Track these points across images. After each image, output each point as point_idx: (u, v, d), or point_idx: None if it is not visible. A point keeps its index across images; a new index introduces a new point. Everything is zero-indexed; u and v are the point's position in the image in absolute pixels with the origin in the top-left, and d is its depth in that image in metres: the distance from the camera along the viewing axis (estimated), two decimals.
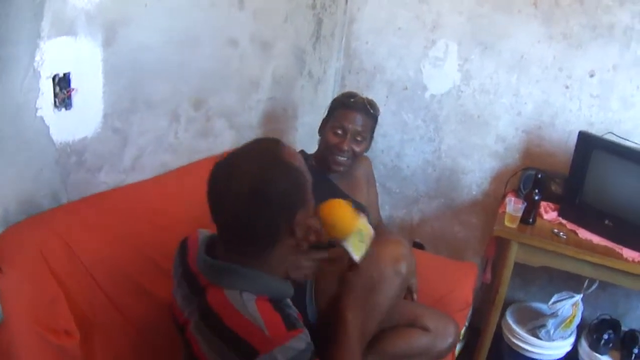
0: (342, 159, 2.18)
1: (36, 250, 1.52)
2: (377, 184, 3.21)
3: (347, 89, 3.23)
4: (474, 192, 3.07)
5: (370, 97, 3.10)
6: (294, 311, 1.34)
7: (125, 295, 1.70)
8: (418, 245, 3.25)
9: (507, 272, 2.58)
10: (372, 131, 2.26)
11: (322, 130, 2.25)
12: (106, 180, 1.94)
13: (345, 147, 2.13)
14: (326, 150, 2.19)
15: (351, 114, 2.15)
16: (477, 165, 3.01)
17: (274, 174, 1.24)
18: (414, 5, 2.94)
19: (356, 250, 1.51)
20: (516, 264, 2.57)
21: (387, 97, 3.14)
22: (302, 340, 1.20)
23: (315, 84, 3.07)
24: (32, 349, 1.40)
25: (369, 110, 2.19)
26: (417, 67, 3.03)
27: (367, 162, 2.47)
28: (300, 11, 2.73)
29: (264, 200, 1.22)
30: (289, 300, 1.37)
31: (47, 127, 1.69)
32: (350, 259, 1.52)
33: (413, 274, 2.02)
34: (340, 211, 1.51)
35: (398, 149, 3.19)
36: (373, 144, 3.17)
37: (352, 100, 2.20)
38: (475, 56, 2.87)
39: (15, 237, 1.54)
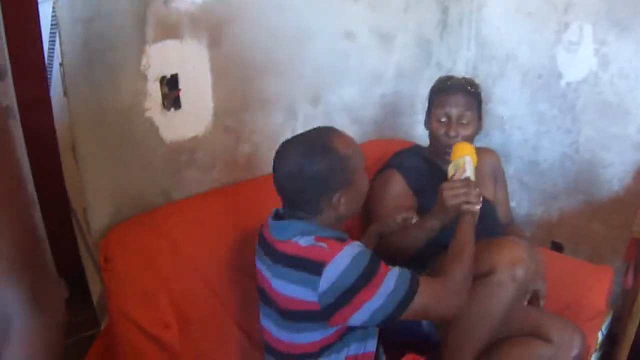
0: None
1: (141, 247, 1.62)
2: (514, 179, 3.08)
3: (479, 79, 3.09)
4: (615, 188, 2.79)
5: (503, 87, 3.01)
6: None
7: (227, 288, 1.76)
8: (557, 246, 3.04)
9: None
10: (479, 110, 2.12)
11: (427, 122, 2.14)
12: (219, 177, 2.01)
13: (453, 133, 2.00)
14: (435, 141, 2.09)
15: (451, 97, 2.02)
16: (618, 158, 2.74)
17: (315, 157, 1.45)
18: None
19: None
20: None
21: (520, 86, 2.95)
22: (356, 245, 1.42)
23: (444, 74, 2.95)
24: (131, 339, 1.50)
25: (469, 89, 2.06)
26: (551, 54, 2.81)
27: (493, 156, 2.31)
28: (422, 0, 2.63)
29: (303, 177, 1.45)
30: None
31: (157, 127, 1.78)
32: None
33: (540, 278, 1.90)
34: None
35: (534, 141, 2.99)
36: (508, 137, 3.06)
37: (448, 83, 2.08)
38: (612, 38, 2.60)
39: (122, 234, 1.65)
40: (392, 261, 1.71)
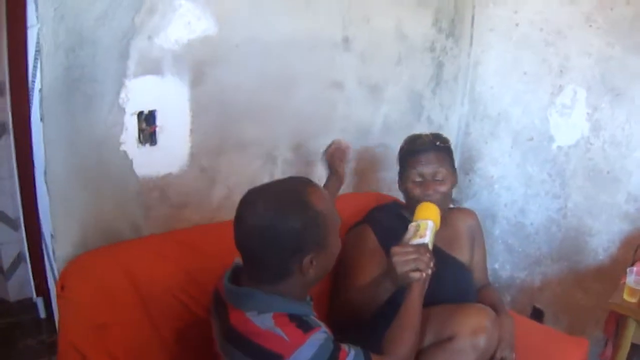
0: None
1: (99, 278, 1.64)
2: (499, 241, 3.12)
3: (472, 137, 3.17)
4: (600, 257, 2.83)
5: (494, 147, 3.07)
6: (314, 322, 1.39)
7: (183, 329, 1.77)
8: (537, 312, 3.06)
9: (623, 354, 2.32)
10: (452, 163, 2.14)
11: (400, 185, 2.15)
12: (191, 217, 2.05)
13: (429, 192, 2.01)
14: (411, 201, 2.07)
15: (422, 156, 2.04)
16: (605, 226, 2.78)
17: (288, 212, 1.30)
18: (540, 47, 2.82)
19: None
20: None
21: (511, 147, 3.02)
22: (320, 334, 1.31)
23: (436, 130, 3.01)
24: None
25: (439, 145, 2.07)
26: (544, 116, 2.89)
27: (472, 217, 2.31)
28: (416, 54, 2.73)
29: (274, 235, 1.29)
30: (313, 318, 1.41)
31: (131, 161, 1.83)
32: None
33: (508, 345, 1.90)
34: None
35: (522, 203, 3.05)
36: (496, 197, 3.12)
37: (418, 142, 2.10)
38: (606, 104, 2.67)
39: (83, 264, 1.68)
40: (355, 319, 1.74)
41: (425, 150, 2.05)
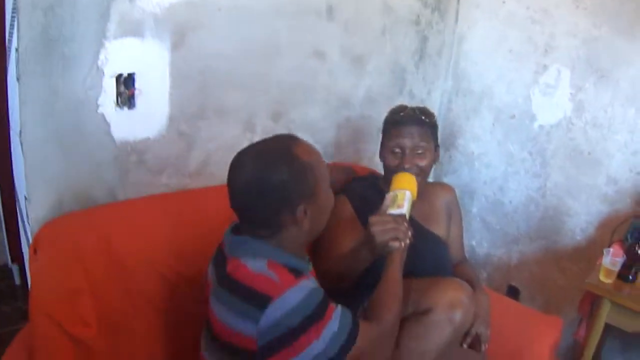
0: None
1: (73, 242, 1.64)
2: (477, 218, 3.15)
3: (453, 113, 3.18)
4: (577, 238, 2.88)
5: (476, 123, 3.09)
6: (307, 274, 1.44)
7: (158, 298, 1.78)
8: (513, 290, 3.11)
9: (596, 334, 2.37)
10: (435, 139, 2.11)
11: (381, 155, 2.15)
12: (168, 182, 2.05)
13: (407, 165, 1.99)
14: (389, 173, 2.05)
15: (404, 128, 2.02)
16: (584, 207, 2.82)
17: (276, 165, 1.37)
18: (526, 25, 2.83)
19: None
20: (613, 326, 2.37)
21: (493, 124, 3.04)
22: (310, 282, 1.36)
23: (417, 105, 3.02)
24: (47, 334, 1.52)
25: (422, 119, 2.05)
26: (527, 94, 2.91)
27: (450, 192, 2.32)
28: (401, 26, 2.73)
29: (263, 188, 1.36)
30: (308, 273, 1.47)
31: (108, 124, 1.82)
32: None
33: (483, 321, 1.93)
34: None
35: (501, 181, 3.08)
36: (476, 174, 3.14)
37: (401, 114, 2.07)
38: (590, 85, 2.69)
39: (57, 227, 1.68)
40: (335, 289, 1.76)
41: (409, 123, 2.04)
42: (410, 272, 1.84)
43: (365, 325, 1.46)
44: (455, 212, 2.30)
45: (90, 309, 1.59)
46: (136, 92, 1.83)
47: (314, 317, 1.31)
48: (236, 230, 1.49)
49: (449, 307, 1.68)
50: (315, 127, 2.50)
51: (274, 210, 1.38)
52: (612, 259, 2.28)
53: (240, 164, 1.42)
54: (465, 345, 1.91)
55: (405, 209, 1.69)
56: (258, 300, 1.29)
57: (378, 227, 1.59)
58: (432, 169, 2.15)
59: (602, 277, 2.32)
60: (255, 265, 1.36)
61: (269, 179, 1.36)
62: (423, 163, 2.04)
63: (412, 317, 1.71)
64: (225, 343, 1.38)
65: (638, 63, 2.56)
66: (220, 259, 1.48)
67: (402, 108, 2.11)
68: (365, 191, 2.13)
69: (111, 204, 1.87)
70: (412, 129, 2.03)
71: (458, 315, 1.68)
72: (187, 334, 1.68)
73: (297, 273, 1.37)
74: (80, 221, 1.71)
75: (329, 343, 1.34)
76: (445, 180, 3.25)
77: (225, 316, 1.35)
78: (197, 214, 1.93)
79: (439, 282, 1.78)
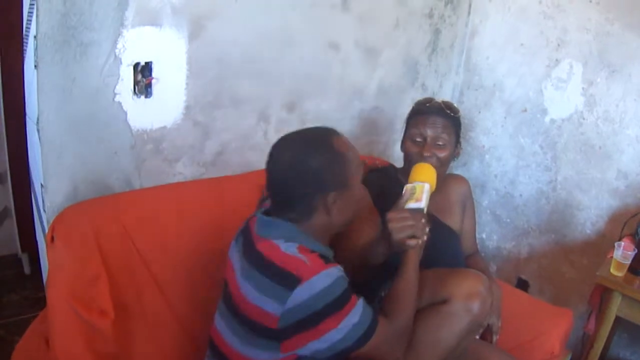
0: None
1: (91, 229, 1.64)
2: (488, 211, 3.15)
3: (465, 106, 3.18)
4: (587, 231, 2.88)
5: (487, 117, 3.09)
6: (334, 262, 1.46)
7: (174, 286, 1.79)
8: (523, 283, 3.12)
9: (607, 326, 2.38)
10: (457, 135, 2.10)
11: (402, 143, 2.13)
12: (183, 171, 2.05)
13: (427, 154, 1.98)
14: (408, 163, 2.06)
15: (427, 118, 2.02)
16: (594, 201, 2.83)
17: (313, 153, 1.43)
18: (538, 20, 2.83)
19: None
20: (623, 319, 2.38)
21: (505, 118, 3.04)
22: (338, 270, 1.39)
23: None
24: (64, 320, 1.52)
25: (447, 113, 2.04)
26: (538, 88, 2.91)
27: (464, 184, 2.31)
28: (414, 19, 2.73)
29: (300, 171, 1.42)
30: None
31: (125, 113, 1.83)
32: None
33: (495, 313, 1.94)
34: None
35: (512, 175, 3.08)
36: (486, 167, 3.14)
37: (427, 105, 2.06)
38: (601, 79, 2.70)
39: (73, 215, 1.68)
40: (350, 280, 1.76)
41: (433, 113, 2.03)
42: (424, 263, 1.84)
43: (384, 323, 1.48)
44: (469, 205, 2.30)
45: (107, 296, 1.59)
46: (153, 81, 1.84)
47: (337, 304, 1.35)
48: (266, 213, 1.53)
49: (467, 297, 1.67)
50: (328, 118, 2.50)
51: (308, 194, 1.44)
52: (624, 252, 2.28)
53: (282, 147, 1.48)
54: (477, 336, 1.92)
55: (423, 202, 1.68)
56: (288, 280, 1.33)
57: (396, 224, 1.59)
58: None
59: (613, 270, 2.32)
60: (286, 247, 1.39)
61: (307, 163, 1.42)
62: (442, 154, 2.02)
63: (429, 308, 1.71)
64: (247, 319, 1.41)
65: None
66: (247, 238, 1.51)
67: (429, 100, 2.11)
68: (383, 182, 2.12)
69: (127, 192, 1.88)
70: (435, 120, 2.02)
71: (476, 306, 1.67)
72: (202, 321, 1.69)
73: (327, 260, 1.40)
74: (97, 209, 1.71)
75: (347, 333, 1.36)
76: (453, 172, 3.24)
77: (252, 293, 1.39)
78: (212, 203, 1.94)
79: (456, 272, 1.77)
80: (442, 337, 1.68)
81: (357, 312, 1.39)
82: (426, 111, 2.04)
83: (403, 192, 1.71)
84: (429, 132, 2.01)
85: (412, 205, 1.65)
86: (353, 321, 1.37)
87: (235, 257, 1.53)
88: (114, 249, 1.66)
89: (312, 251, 1.40)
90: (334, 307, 1.34)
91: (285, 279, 1.33)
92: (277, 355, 1.40)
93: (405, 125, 2.13)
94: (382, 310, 1.55)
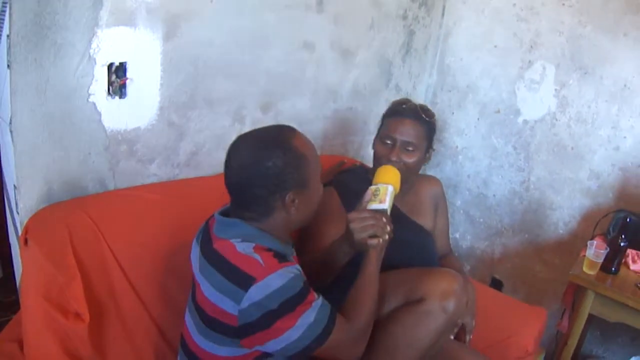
0: None
1: (65, 231, 1.63)
2: (461, 211, 3.19)
3: (438, 107, 3.22)
4: (560, 231, 2.95)
5: (460, 118, 3.13)
6: (291, 260, 1.49)
7: (149, 287, 1.79)
8: (496, 283, 3.16)
9: (580, 324, 2.44)
10: (430, 139, 2.10)
11: (374, 143, 2.14)
12: (157, 172, 2.05)
13: (394, 158, 1.98)
14: (377, 162, 2.06)
15: (400, 121, 2.02)
16: (567, 201, 2.89)
17: (271, 152, 1.42)
18: (512, 22, 2.89)
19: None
20: (596, 316, 2.43)
21: (478, 119, 3.09)
22: (294, 269, 1.40)
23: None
24: (38, 324, 1.52)
25: (421, 117, 2.03)
26: (511, 89, 2.97)
27: (436, 185, 2.32)
28: (389, 20, 2.75)
29: (257, 170, 1.42)
30: (291, 258, 1.52)
31: (99, 114, 1.82)
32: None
33: (469, 312, 1.97)
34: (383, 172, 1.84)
35: (485, 175, 3.13)
36: (459, 168, 3.18)
37: (403, 107, 2.05)
38: (574, 81, 2.76)
39: (49, 215, 1.68)
40: (317, 280, 1.77)
41: (407, 116, 2.03)
42: (397, 263, 1.86)
43: (342, 322, 1.49)
44: (441, 205, 2.32)
45: (82, 299, 1.58)
46: (128, 82, 1.83)
47: (292, 303, 1.36)
48: (225, 214, 1.54)
49: (442, 296, 1.69)
50: (303, 118, 2.52)
51: (265, 193, 1.44)
52: (596, 251, 2.34)
53: (240, 145, 1.49)
54: (452, 337, 1.94)
55: (387, 204, 1.69)
56: (243, 279, 1.35)
57: (357, 224, 1.62)
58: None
59: (585, 269, 2.38)
60: (242, 247, 1.41)
61: (264, 162, 1.41)
62: (411, 160, 2.03)
63: (404, 307, 1.73)
64: (210, 318, 1.43)
65: (621, 61, 2.63)
66: (206, 238, 1.52)
67: (406, 101, 2.11)
68: (353, 183, 2.13)
69: (101, 193, 1.88)
70: (408, 124, 2.02)
71: (451, 305, 1.69)
72: (177, 321, 1.69)
73: (282, 258, 1.42)
74: (71, 210, 1.71)
75: (303, 333, 1.37)
76: (429, 174, 3.27)
77: (210, 292, 1.41)
78: (185, 204, 1.94)
79: (431, 272, 1.79)
80: (418, 337, 1.70)
81: (313, 311, 1.40)
82: (401, 113, 2.05)
83: (365, 193, 1.73)
84: (400, 137, 2.01)
85: (375, 206, 1.68)
86: (309, 320, 1.38)
87: (194, 256, 1.55)
88: (88, 250, 1.66)
89: (269, 250, 1.42)
90: (290, 306, 1.36)
91: (240, 278, 1.35)
92: (239, 352, 1.45)
93: (380, 122, 2.13)
94: (341, 310, 1.55)
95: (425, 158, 2.10)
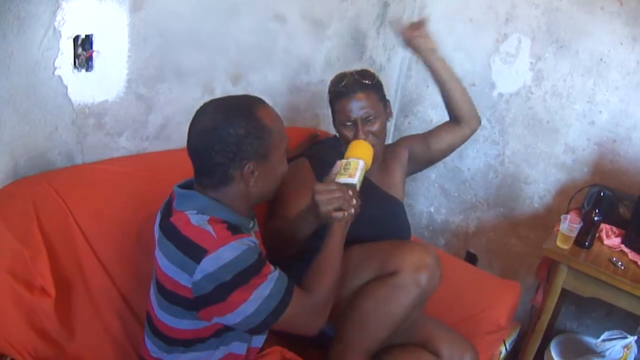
0: None
1: (30, 206, 1.66)
2: (436, 185, 3.25)
3: (413, 80, 3.25)
4: (535, 205, 3.01)
5: (435, 91, 3.13)
6: (247, 232, 1.51)
7: (117, 262, 1.83)
8: (471, 257, 3.23)
9: (553, 298, 2.49)
10: (383, 97, 2.12)
11: (334, 126, 2.18)
12: (127, 145, 2.08)
13: (362, 136, 2.02)
14: (347, 143, 2.04)
15: (349, 100, 2.04)
16: (542, 175, 2.95)
17: (235, 120, 1.43)
18: None
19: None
20: (570, 291, 2.49)
21: None
22: (248, 241, 1.42)
23: (377, 71, 3.08)
24: (4, 300, 1.54)
25: (365, 84, 2.05)
26: (486, 63, 3.01)
27: (402, 150, 2.33)
28: None
29: (218, 136, 1.42)
30: (250, 232, 1.55)
31: (65, 87, 1.83)
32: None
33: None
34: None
35: (460, 149, 3.14)
36: None
37: (342, 85, 2.06)
38: (549, 55, 2.81)
39: (15, 190, 1.70)
40: (281, 249, 1.80)
41: (352, 92, 2.05)
42: (372, 236, 1.91)
43: (300, 295, 1.52)
44: (410, 153, 2.33)
45: (48, 274, 1.61)
46: (94, 54, 1.85)
47: (246, 275, 1.38)
48: (185, 186, 1.55)
49: (415, 269, 1.75)
50: (274, 90, 2.55)
51: (224, 160, 1.45)
52: (570, 225, 2.39)
53: (205, 110, 1.50)
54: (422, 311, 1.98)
55: (356, 178, 1.72)
56: (194, 251, 1.37)
57: (322, 197, 1.64)
58: (391, 132, 2.17)
59: (559, 243, 2.43)
60: (197, 219, 1.43)
61: (226, 129, 1.42)
62: (376, 127, 2.07)
63: (377, 280, 1.78)
64: (168, 291, 1.46)
65: (597, 35, 2.68)
66: (166, 211, 1.55)
67: (342, 77, 2.11)
68: (326, 154, 2.17)
69: (68, 167, 1.90)
70: (356, 98, 2.05)
71: (424, 278, 1.76)
72: (145, 295, 1.72)
73: (236, 230, 1.43)
74: (37, 184, 1.73)
75: (259, 306, 1.41)
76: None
77: (166, 265, 1.44)
78: (154, 178, 1.96)
79: (404, 245, 1.85)
80: (391, 310, 1.76)
81: (269, 284, 1.42)
82: (344, 92, 2.06)
83: (334, 166, 1.76)
84: (356, 114, 2.05)
85: (344, 180, 1.71)
86: (264, 294, 1.41)
87: (156, 229, 1.58)
88: (54, 225, 1.69)
89: (223, 222, 1.44)
90: (243, 278, 1.38)
91: (192, 250, 1.38)
92: (198, 325, 1.49)
93: (329, 106, 2.16)
94: (302, 282, 1.59)
95: (387, 115, 2.14)
